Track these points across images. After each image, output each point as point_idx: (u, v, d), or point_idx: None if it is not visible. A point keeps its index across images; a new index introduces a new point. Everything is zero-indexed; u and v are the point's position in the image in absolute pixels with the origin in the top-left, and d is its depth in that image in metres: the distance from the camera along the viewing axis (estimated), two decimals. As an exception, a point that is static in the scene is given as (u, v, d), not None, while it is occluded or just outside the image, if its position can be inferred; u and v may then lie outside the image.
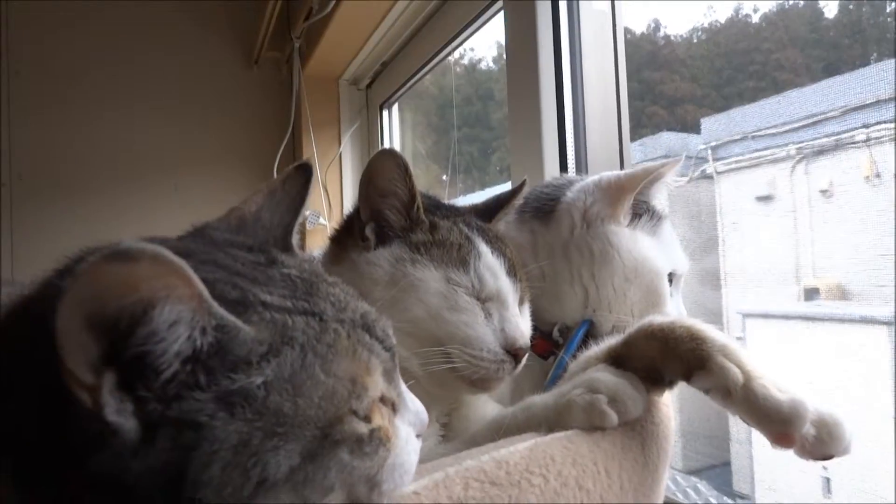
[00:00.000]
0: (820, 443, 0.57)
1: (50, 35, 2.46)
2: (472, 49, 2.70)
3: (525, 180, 0.96)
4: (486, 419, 0.78)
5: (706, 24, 1.77)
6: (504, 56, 1.60)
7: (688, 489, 1.32)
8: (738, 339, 1.27)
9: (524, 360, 0.78)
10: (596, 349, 0.75)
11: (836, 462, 0.59)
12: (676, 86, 1.80)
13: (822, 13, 1.58)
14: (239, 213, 0.59)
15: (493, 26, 1.84)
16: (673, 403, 0.74)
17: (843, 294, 1.30)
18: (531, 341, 0.80)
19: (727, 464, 1.50)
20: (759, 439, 0.60)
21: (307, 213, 2.46)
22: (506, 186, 1.32)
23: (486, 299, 0.78)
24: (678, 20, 1.78)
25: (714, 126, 1.61)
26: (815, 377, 1.30)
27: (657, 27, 1.85)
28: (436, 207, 0.87)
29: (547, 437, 0.60)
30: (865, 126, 1.21)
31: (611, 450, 0.61)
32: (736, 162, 1.53)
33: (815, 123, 1.34)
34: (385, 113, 2.67)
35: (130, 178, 2.54)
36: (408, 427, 0.51)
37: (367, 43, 2.30)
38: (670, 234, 0.99)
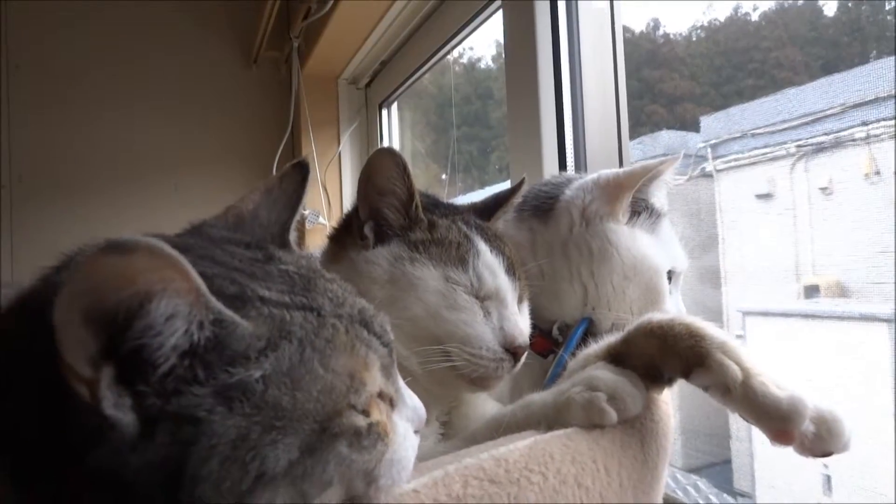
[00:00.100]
0: (819, 440, 0.56)
1: (49, 35, 2.46)
2: (471, 48, 2.71)
3: (524, 178, 0.96)
4: (486, 417, 0.78)
5: (705, 23, 1.77)
6: (503, 55, 1.60)
7: (688, 487, 1.32)
8: (738, 336, 1.27)
9: (523, 359, 0.78)
10: (595, 347, 0.75)
11: (836, 459, 0.59)
12: (676, 84, 1.80)
13: (822, 11, 1.58)
14: (236, 211, 0.59)
15: (491, 25, 1.84)
16: (672, 401, 0.74)
17: (842, 291, 1.30)
18: (530, 339, 0.80)
19: (727, 461, 1.50)
20: (759, 437, 0.59)
21: (306, 212, 2.46)
22: (505, 185, 1.32)
23: (484, 298, 0.78)
24: (677, 19, 1.78)
25: (713, 124, 1.61)
26: (815, 374, 1.30)
27: (656, 26, 1.85)
28: (434, 206, 0.87)
29: (546, 434, 0.60)
30: (865, 124, 1.22)
31: (610, 447, 0.61)
32: (735, 160, 1.53)
33: (814, 121, 1.35)
34: (384, 112, 2.67)
35: (130, 179, 2.54)
36: (405, 423, 0.50)
37: (366, 42, 2.30)
38: (669, 231, 0.99)
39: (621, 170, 0.98)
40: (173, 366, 0.38)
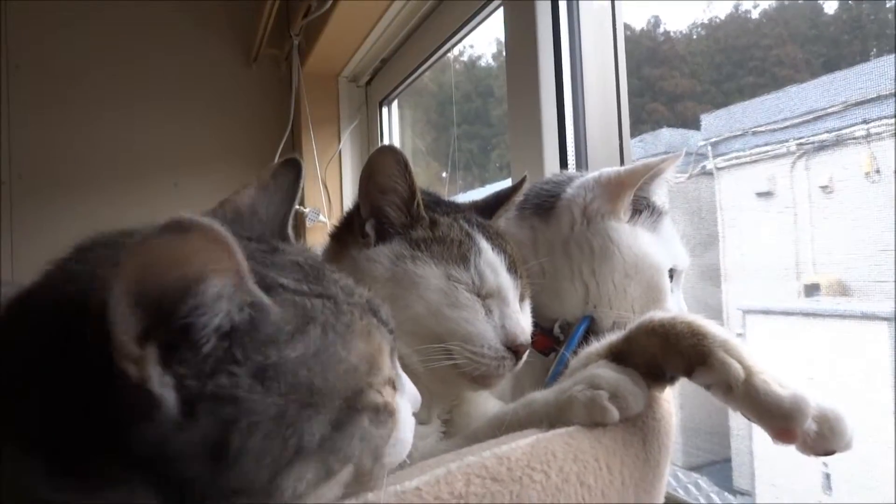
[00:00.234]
0: (822, 438, 0.56)
1: (49, 34, 2.45)
2: (471, 46, 2.70)
3: (525, 176, 0.96)
4: (487, 416, 0.78)
5: (706, 21, 1.77)
6: (503, 53, 1.60)
7: (688, 485, 1.32)
8: (739, 335, 1.27)
9: (525, 357, 0.78)
10: (597, 345, 0.75)
11: (836, 458, 0.58)
12: (676, 82, 1.80)
13: (822, 9, 1.58)
14: (233, 206, 0.60)
15: (492, 23, 1.84)
16: (674, 400, 0.74)
17: (843, 290, 1.30)
18: (532, 338, 0.80)
19: (728, 460, 1.50)
20: (759, 435, 0.60)
21: (307, 210, 2.46)
22: (505, 183, 1.31)
23: (486, 296, 0.78)
24: (678, 16, 1.78)
25: (714, 122, 1.61)
26: (816, 373, 1.30)
27: (657, 23, 1.85)
28: (436, 204, 0.87)
29: (548, 433, 0.60)
30: (865, 122, 1.21)
31: (612, 446, 0.61)
32: (736, 158, 1.53)
33: (814, 119, 1.34)
34: (384, 110, 2.66)
35: (130, 177, 2.54)
36: (406, 404, 0.53)
37: (367, 40, 2.29)
38: (671, 229, 0.99)
39: (622, 168, 0.98)
40: (214, 347, 0.39)
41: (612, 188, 0.94)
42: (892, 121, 1.16)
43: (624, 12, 1.42)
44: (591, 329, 0.91)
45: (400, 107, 2.70)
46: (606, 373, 0.66)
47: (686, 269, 1.00)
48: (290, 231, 0.62)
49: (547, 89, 1.40)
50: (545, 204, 0.99)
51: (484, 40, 2.66)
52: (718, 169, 1.55)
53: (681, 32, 1.83)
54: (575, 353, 0.79)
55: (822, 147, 1.35)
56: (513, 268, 0.82)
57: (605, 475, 0.59)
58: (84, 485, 0.38)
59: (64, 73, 2.48)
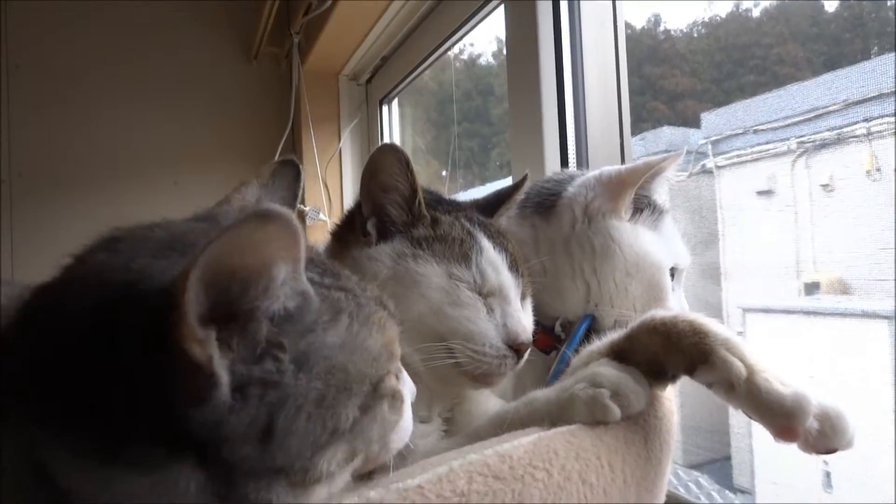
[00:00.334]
0: (823, 436, 0.56)
1: (49, 33, 2.45)
2: (471, 44, 2.70)
3: (527, 175, 0.96)
4: (489, 414, 0.78)
5: (706, 19, 1.77)
6: (504, 51, 1.59)
7: (689, 483, 1.32)
8: (739, 333, 1.27)
9: (526, 356, 0.78)
10: (598, 344, 0.75)
11: (836, 456, 0.58)
12: (677, 81, 1.80)
13: (823, 7, 1.58)
14: (239, 204, 0.60)
15: (492, 21, 1.84)
16: (675, 398, 0.74)
17: (843, 288, 1.30)
18: (533, 336, 0.80)
19: (728, 458, 1.50)
20: (759, 433, 0.60)
21: (307, 208, 2.46)
22: (506, 182, 1.32)
23: (487, 294, 0.78)
24: (678, 15, 1.78)
25: (714, 120, 1.61)
26: (816, 372, 1.30)
27: (657, 22, 1.85)
28: (437, 202, 0.87)
29: (550, 431, 0.60)
30: (866, 120, 1.21)
31: (614, 444, 0.61)
32: (737, 156, 1.53)
33: (815, 118, 1.34)
34: (385, 108, 2.66)
35: (130, 175, 2.54)
36: (408, 392, 0.55)
37: (367, 38, 2.29)
38: (672, 228, 0.99)
39: (624, 166, 0.98)
40: (266, 332, 0.42)
41: (614, 187, 0.94)
42: (893, 119, 1.16)
43: (625, 11, 1.42)
44: (593, 327, 0.91)
45: (400, 105, 2.70)
46: (608, 371, 0.66)
47: (687, 268, 1.00)
48: None
49: (548, 88, 1.40)
50: (546, 202, 0.99)
51: (484, 39, 2.66)
52: (719, 167, 1.55)
53: (681, 31, 1.83)
54: (576, 351, 0.79)
55: (822, 145, 1.35)
56: (514, 266, 0.82)
57: (606, 473, 0.59)
58: (130, 471, 0.39)
59: (64, 72, 2.48)
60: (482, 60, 2.73)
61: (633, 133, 1.44)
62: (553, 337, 0.93)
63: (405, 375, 0.57)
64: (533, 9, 1.42)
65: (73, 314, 0.41)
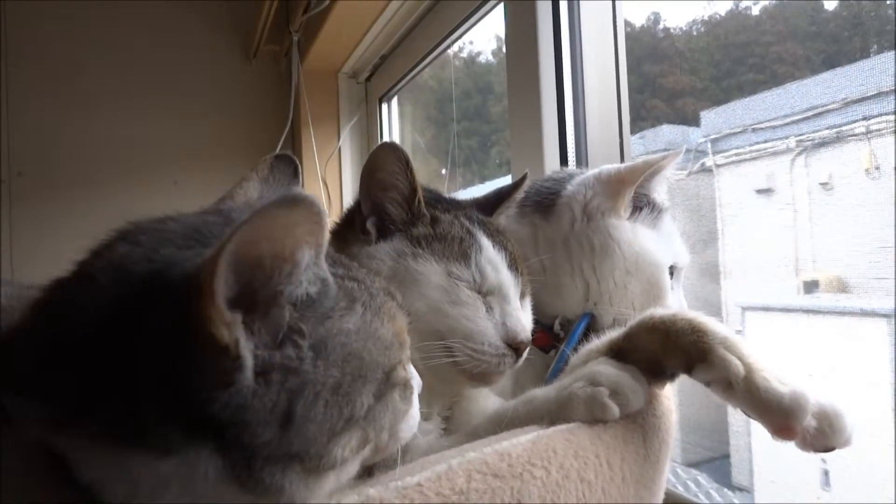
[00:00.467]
0: (821, 435, 0.57)
1: (49, 32, 2.45)
2: (471, 42, 2.70)
3: (526, 173, 0.96)
4: (488, 413, 0.78)
5: (706, 17, 1.76)
6: (503, 49, 1.59)
7: (688, 481, 1.33)
8: (738, 332, 1.27)
9: (525, 354, 0.78)
10: (597, 342, 0.75)
11: (835, 454, 0.59)
12: (676, 79, 1.80)
13: (822, 5, 1.58)
14: (243, 199, 0.60)
15: (492, 19, 1.84)
16: (673, 397, 0.74)
17: (842, 287, 1.30)
18: (532, 335, 0.80)
19: (727, 456, 1.51)
20: (758, 431, 0.60)
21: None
22: (505, 180, 1.32)
23: (487, 293, 0.78)
24: (678, 13, 1.77)
25: (714, 119, 1.61)
26: (815, 370, 1.30)
27: (657, 20, 1.84)
28: (437, 201, 0.87)
29: (549, 429, 0.60)
30: (865, 118, 1.21)
31: (612, 442, 0.61)
32: (736, 155, 1.53)
33: (814, 116, 1.34)
34: (384, 106, 2.66)
35: (130, 174, 2.54)
36: (415, 383, 0.56)
37: (366, 36, 2.29)
38: (671, 226, 0.99)
39: (623, 165, 0.98)
40: (288, 317, 0.42)
41: (613, 185, 0.94)
42: (893, 117, 1.16)
43: (624, 9, 1.42)
44: (592, 326, 0.91)
45: (400, 103, 2.70)
46: (607, 369, 0.66)
47: (686, 266, 1.00)
48: None
49: (547, 86, 1.40)
50: (546, 201, 0.99)
51: (484, 37, 2.66)
52: (718, 166, 1.55)
53: (681, 29, 1.83)
54: (575, 350, 0.79)
55: (822, 144, 1.35)
56: (513, 265, 0.82)
57: (605, 472, 0.59)
58: (150, 455, 0.40)
59: (63, 70, 2.48)
60: (482, 58, 2.73)
61: (633, 131, 1.44)
62: (552, 335, 0.93)
63: (410, 367, 0.57)
64: (532, 7, 1.42)
65: (96, 304, 0.42)
